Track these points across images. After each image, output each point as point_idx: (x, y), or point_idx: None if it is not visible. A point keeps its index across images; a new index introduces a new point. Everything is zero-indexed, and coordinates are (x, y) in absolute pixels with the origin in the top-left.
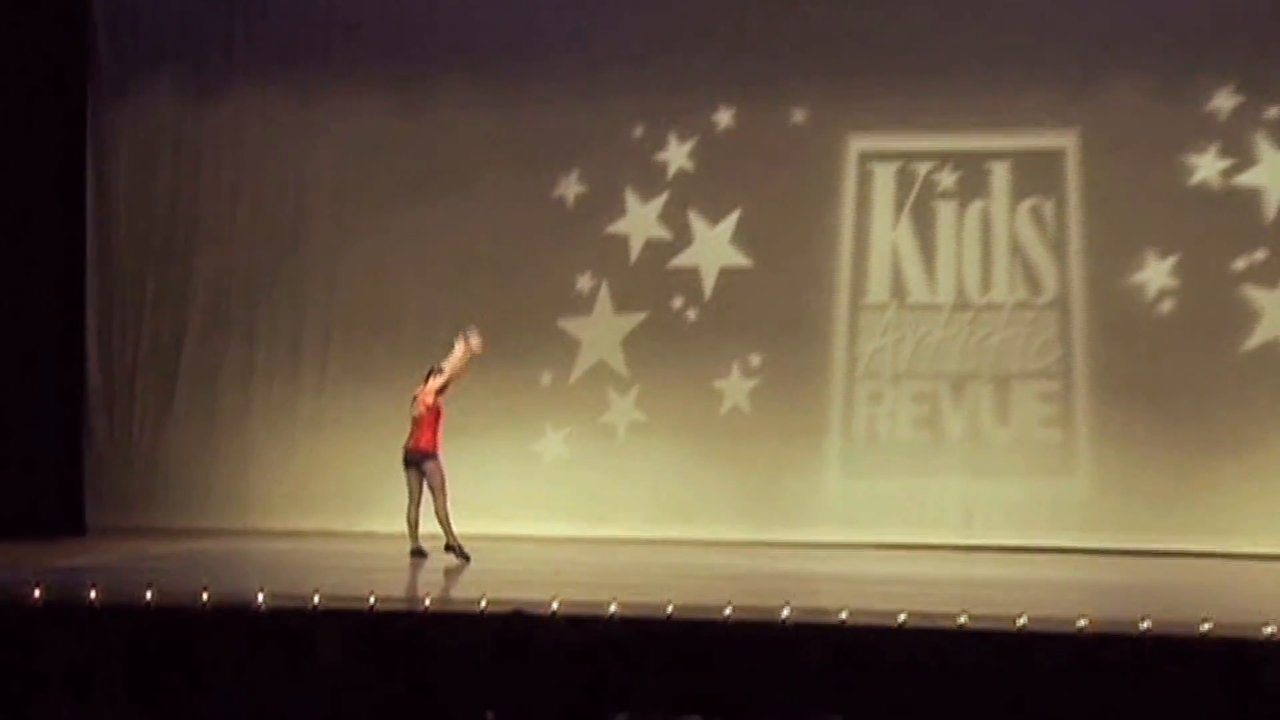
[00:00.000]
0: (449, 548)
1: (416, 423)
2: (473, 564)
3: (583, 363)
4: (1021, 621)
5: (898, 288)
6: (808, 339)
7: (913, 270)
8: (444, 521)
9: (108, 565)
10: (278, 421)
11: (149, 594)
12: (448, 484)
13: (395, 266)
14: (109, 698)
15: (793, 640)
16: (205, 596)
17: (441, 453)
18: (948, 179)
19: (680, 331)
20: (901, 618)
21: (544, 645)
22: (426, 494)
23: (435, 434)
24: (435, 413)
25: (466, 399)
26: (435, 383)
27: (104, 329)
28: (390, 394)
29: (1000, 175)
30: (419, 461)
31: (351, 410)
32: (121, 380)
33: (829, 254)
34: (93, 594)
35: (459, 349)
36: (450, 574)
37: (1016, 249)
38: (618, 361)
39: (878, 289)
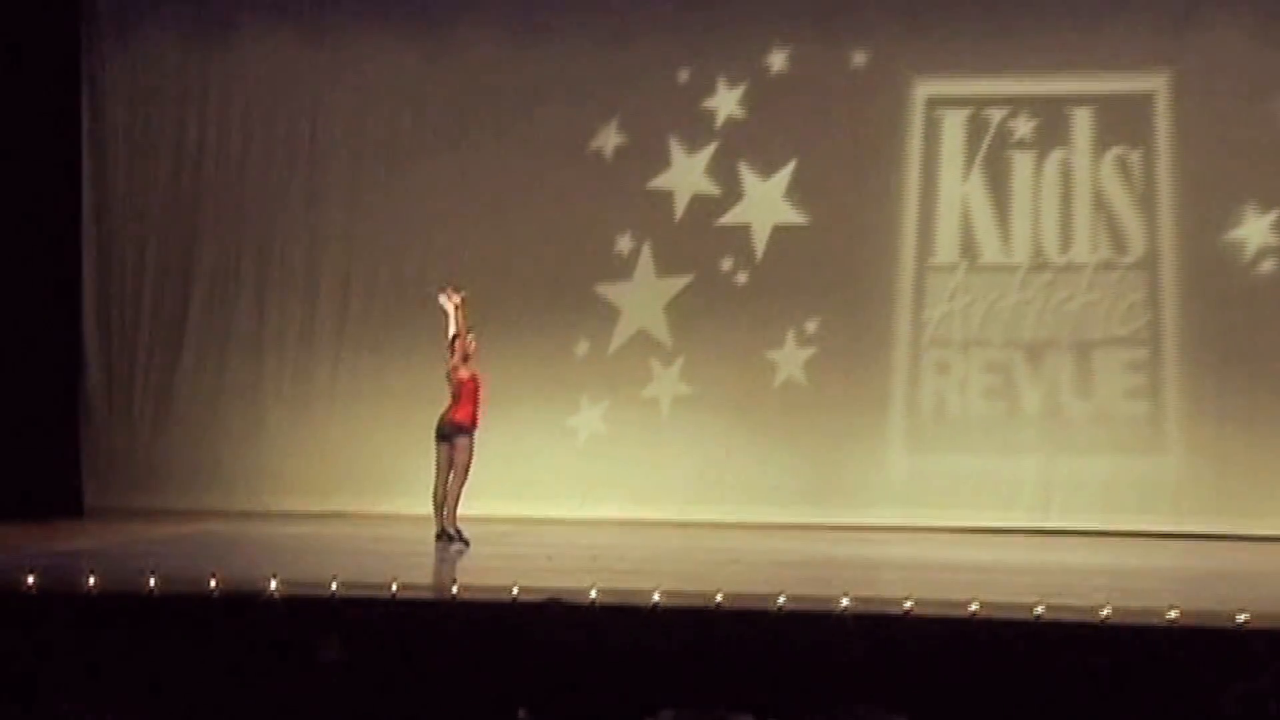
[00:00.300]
0: (441, 534)
1: (454, 395)
2: (504, 549)
3: (623, 331)
4: (1105, 613)
5: (968, 247)
6: (869, 303)
7: (985, 227)
8: (448, 503)
9: (106, 550)
10: (290, 394)
11: (151, 581)
12: (473, 466)
13: (418, 225)
14: (108, 689)
15: (852, 632)
16: (213, 583)
17: (478, 430)
18: (1024, 127)
19: (729, 296)
20: (972, 608)
21: (581, 637)
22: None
23: (473, 408)
24: (472, 385)
25: (495, 370)
26: (457, 354)
27: (102, 296)
28: (413, 364)
29: (1082, 122)
30: (451, 435)
31: (371, 382)
32: (121, 351)
33: (893, 210)
34: (90, 580)
35: (450, 309)
36: (479, 560)
37: (1100, 204)
38: (661, 330)
39: (947, 248)
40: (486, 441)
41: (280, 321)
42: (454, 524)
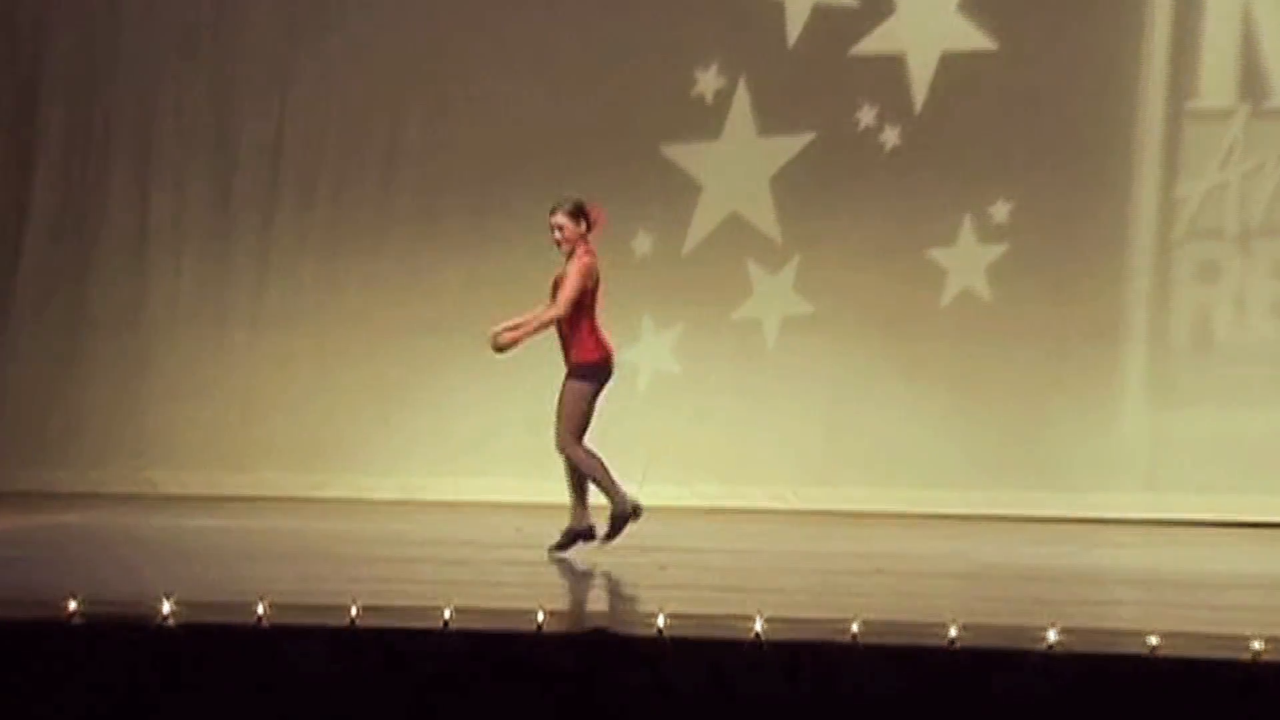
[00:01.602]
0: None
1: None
2: (523, 554)
3: (705, 217)
4: None
5: (1250, 82)
6: (1090, 175)
7: (1276, 55)
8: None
9: None
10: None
11: None
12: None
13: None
14: None
15: (1065, 682)
16: (72, 605)
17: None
18: None
19: (871, 164)
20: (1255, 646)
21: (643, 685)
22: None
23: (587, 342)
24: (574, 320)
25: (509, 278)
26: (567, 290)
27: None
28: (363, 290)
29: None
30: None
31: (297, 319)
32: None
33: (1128, 28)
34: None
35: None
36: (487, 569)
37: None
38: (764, 216)
39: (1215, 86)
40: (501, 393)
41: (199, 244)
42: (582, 517)
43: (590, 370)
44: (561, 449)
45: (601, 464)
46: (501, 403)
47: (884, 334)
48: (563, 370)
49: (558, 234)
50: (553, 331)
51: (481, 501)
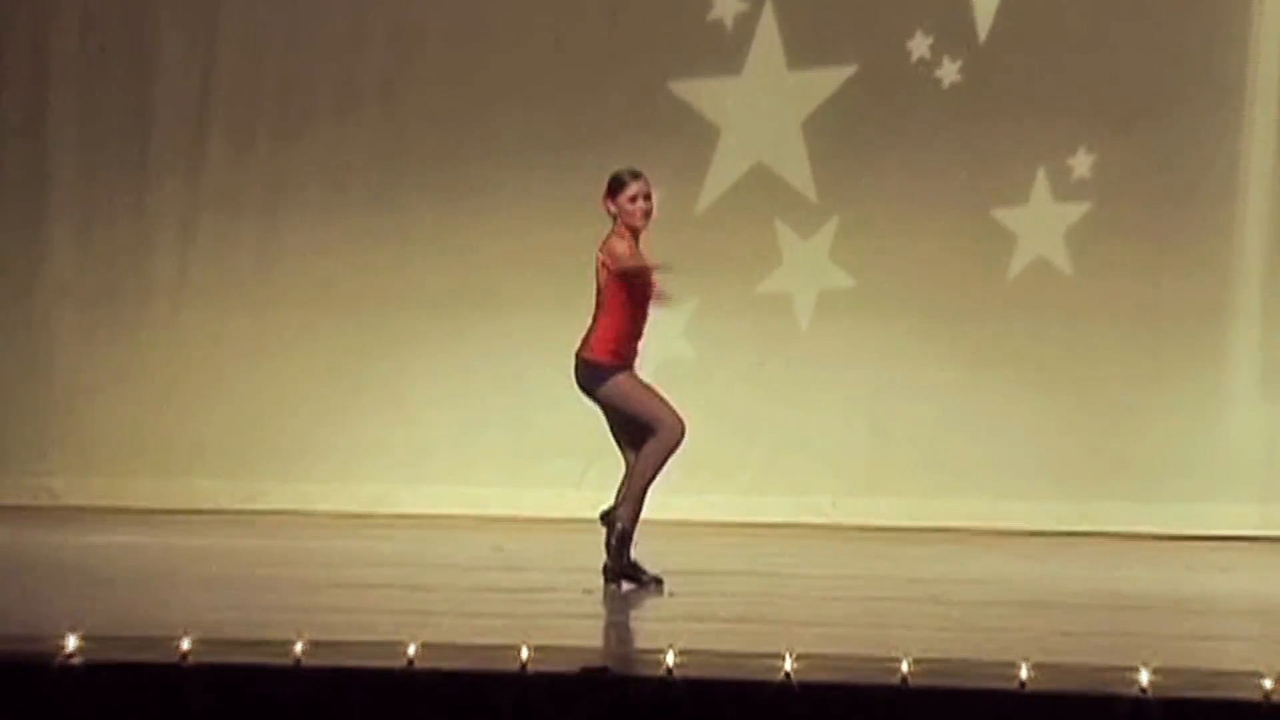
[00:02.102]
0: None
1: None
2: (498, 579)
3: (723, 169)
4: None
5: None
6: (1190, 119)
7: None
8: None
9: None
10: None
11: None
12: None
13: None
14: None
15: None
16: None
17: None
18: None
19: (925, 104)
20: None
21: None
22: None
23: (615, 331)
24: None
25: (475, 242)
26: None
27: None
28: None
29: None
30: (591, 386)
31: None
32: None
33: None
34: None
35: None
36: (464, 599)
37: None
38: (794, 167)
39: None
40: (479, 383)
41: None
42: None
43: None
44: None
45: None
46: (479, 395)
47: (940, 313)
48: (548, 360)
49: (648, 205)
50: (549, 315)
51: (454, 515)
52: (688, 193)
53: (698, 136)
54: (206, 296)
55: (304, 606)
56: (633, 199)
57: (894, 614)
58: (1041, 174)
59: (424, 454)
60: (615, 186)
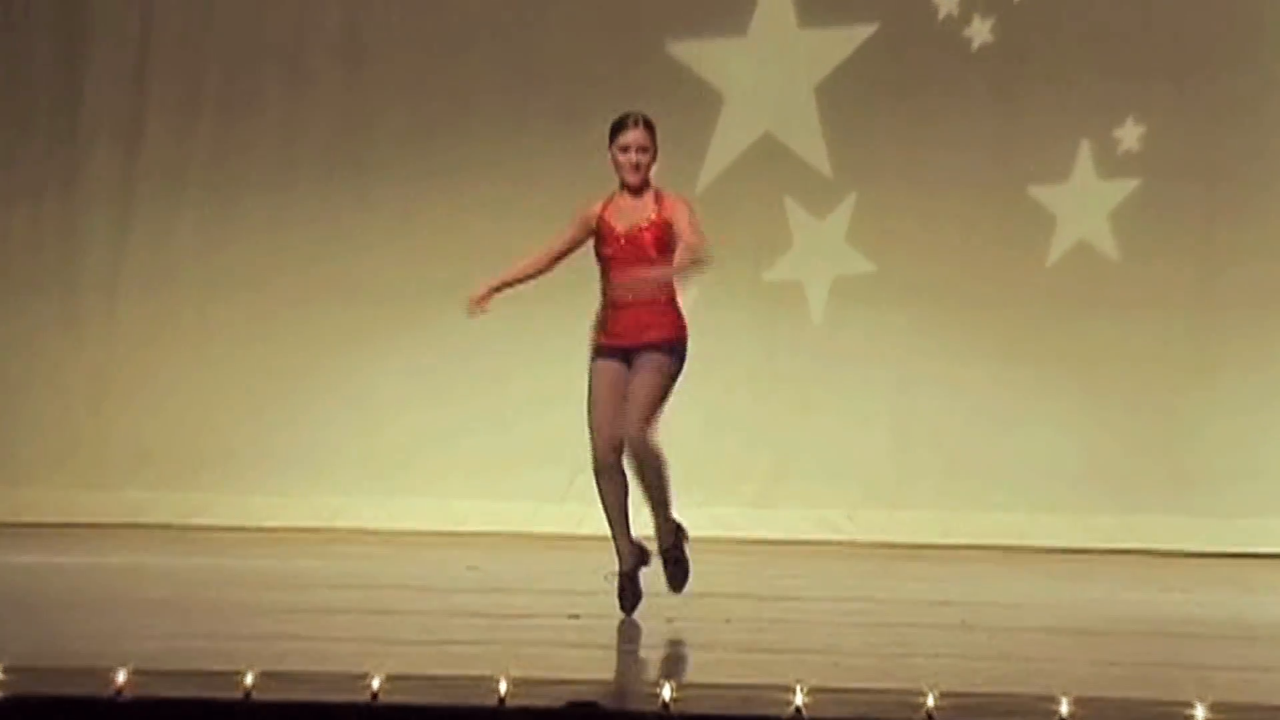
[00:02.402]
0: (669, 557)
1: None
2: (472, 601)
3: (727, 140)
4: None
5: None
6: (1251, 86)
7: None
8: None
9: None
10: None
11: None
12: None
13: None
14: None
15: None
16: None
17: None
18: None
19: (954, 68)
20: None
21: None
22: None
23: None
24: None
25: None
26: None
27: None
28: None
29: None
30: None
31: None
32: None
33: None
34: None
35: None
36: (429, 624)
37: None
38: (807, 138)
39: None
40: (449, 383)
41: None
42: (672, 538)
43: (682, 348)
44: (638, 439)
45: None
46: (452, 397)
47: (970, 303)
48: (531, 358)
49: (639, 158)
50: (532, 309)
51: (424, 531)
52: (687, 168)
53: (698, 104)
54: (145, 286)
55: (255, 634)
56: (623, 148)
57: (918, 641)
58: (1084, 147)
59: (390, 463)
60: (611, 132)
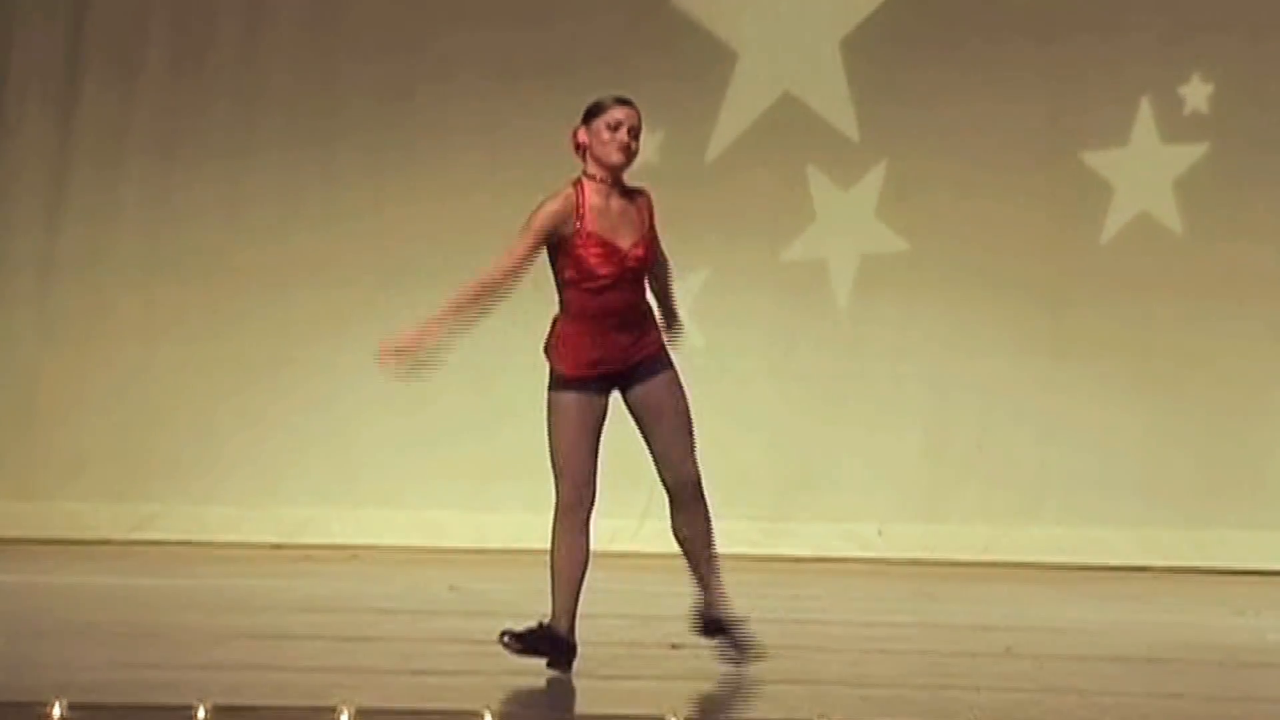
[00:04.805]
0: (711, 623)
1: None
2: (447, 625)
3: (741, 102)
4: None
5: None
6: None
7: None
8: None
9: None
10: None
11: None
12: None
13: None
14: None
15: None
16: None
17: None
18: None
19: (996, 17)
20: None
21: None
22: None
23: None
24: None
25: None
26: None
27: None
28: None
29: None
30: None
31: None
32: None
33: None
34: None
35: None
36: (419, 649)
37: None
38: (831, 97)
39: None
40: (430, 384)
41: None
42: (719, 609)
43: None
44: (696, 481)
45: None
46: (431, 399)
47: (1015, 286)
48: (519, 358)
49: (632, 140)
50: (521, 301)
51: (398, 547)
52: (696, 134)
53: (709, 62)
54: (81, 270)
55: (207, 663)
56: (613, 126)
57: (956, 671)
58: (1145, 107)
59: (360, 470)
60: (593, 111)
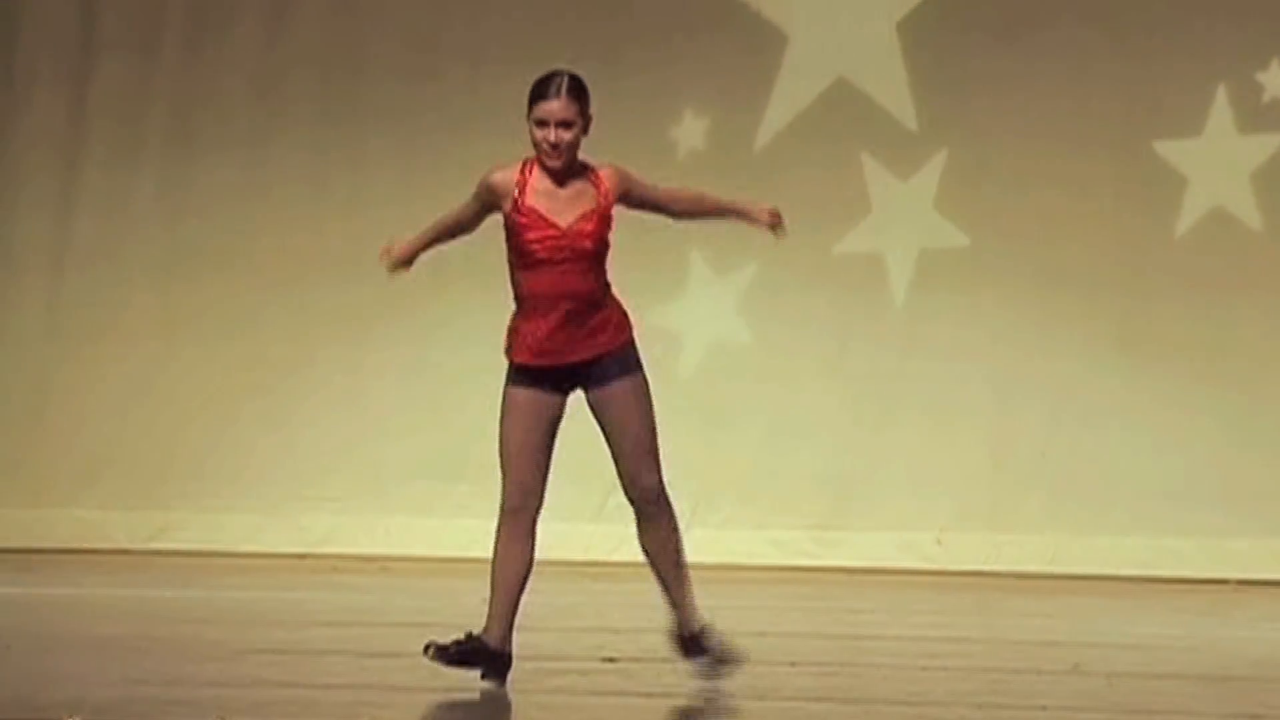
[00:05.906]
0: (688, 642)
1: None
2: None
3: (792, 87)
4: None
5: None
6: None
7: None
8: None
9: None
10: None
11: None
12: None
13: None
14: None
15: None
16: None
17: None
18: None
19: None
20: None
21: None
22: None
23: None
24: (602, 268)
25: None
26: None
27: None
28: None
29: None
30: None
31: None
32: None
33: None
34: None
35: None
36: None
37: None
38: (887, 83)
39: None
40: (456, 379)
41: None
42: (692, 620)
43: (637, 349)
44: (658, 492)
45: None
46: (462, 399)
47: (1082, 283)
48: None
49: (561, 135)
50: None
51: (427, 556)
52: (745, 120)
53: (758, 45)
54: (94, 263)
55: (227, 679)
56: (540, 122)
57: (1020, 690)
58: (1221, 95)
59: (389, 476)
60: (529, 97)
